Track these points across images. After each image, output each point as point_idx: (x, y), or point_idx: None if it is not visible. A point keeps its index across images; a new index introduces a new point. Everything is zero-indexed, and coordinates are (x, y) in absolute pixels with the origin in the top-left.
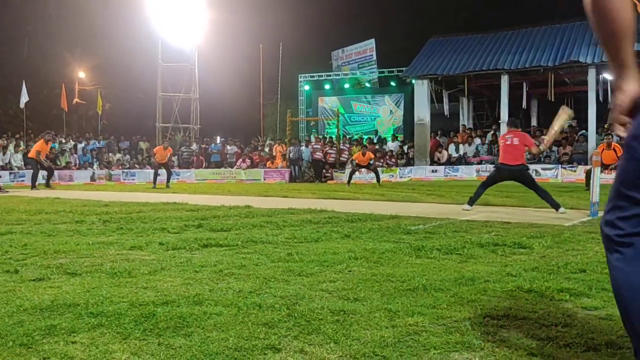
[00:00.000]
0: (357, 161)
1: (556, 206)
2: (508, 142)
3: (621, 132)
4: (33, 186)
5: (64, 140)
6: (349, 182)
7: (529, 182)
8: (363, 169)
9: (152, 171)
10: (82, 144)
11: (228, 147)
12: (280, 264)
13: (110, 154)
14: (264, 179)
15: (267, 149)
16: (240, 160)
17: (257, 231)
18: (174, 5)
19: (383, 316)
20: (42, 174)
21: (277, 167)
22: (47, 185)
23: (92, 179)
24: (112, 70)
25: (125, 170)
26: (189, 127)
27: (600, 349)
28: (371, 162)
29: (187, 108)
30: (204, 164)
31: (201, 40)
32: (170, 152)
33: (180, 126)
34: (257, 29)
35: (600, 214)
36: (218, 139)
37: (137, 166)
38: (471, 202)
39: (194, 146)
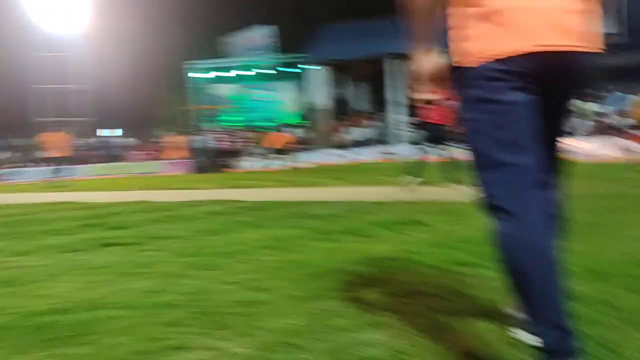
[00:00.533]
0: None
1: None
2: None
3: (417, 95)
4: None
5: None
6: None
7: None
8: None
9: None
10: None
11: (125, 140)
12: (186, 259)
13: None
14: (165, 171)
15: (167, 140)
16: (139, 152)
17: (160, 226)
18: None
19: (293, 303)
20: None
21: (178, 159)
22: None
23: None
24: None
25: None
26: (81, 120)
27: (495, 317)
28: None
29: (75, 100)
30: (99, 159)
31: (84, 28)
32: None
33: (72, 120)
34: (145, 14)
35: None
36: (115, 132)
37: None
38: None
39: (89, 140)
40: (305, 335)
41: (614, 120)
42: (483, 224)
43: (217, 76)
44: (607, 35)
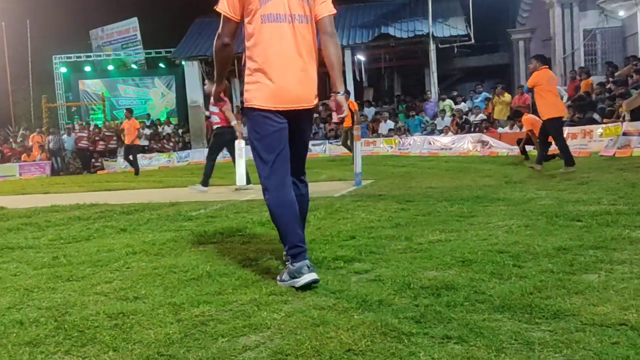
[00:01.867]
0: (125, 133)
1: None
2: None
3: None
4: None
5: None
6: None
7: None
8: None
9: None
10: None
11: None
12: (45, 270)
13: None
14: (20, 175)
15: (20, 140)
16: None
17: (14, 235)
18: None
19: (167, 311)
20: None
21: (34, 160)
22: None
23: None
24: None
25: None
26: None
27: (373, 308)
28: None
29: None
30: None
31: None
32: None
33: None
34: None
35: (364, 182)
36: None
37: None
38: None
39: None
40: (181, 345)
41: (470, 116)
42: (359, 219)
43: (85, 71)
44: (459, 38)
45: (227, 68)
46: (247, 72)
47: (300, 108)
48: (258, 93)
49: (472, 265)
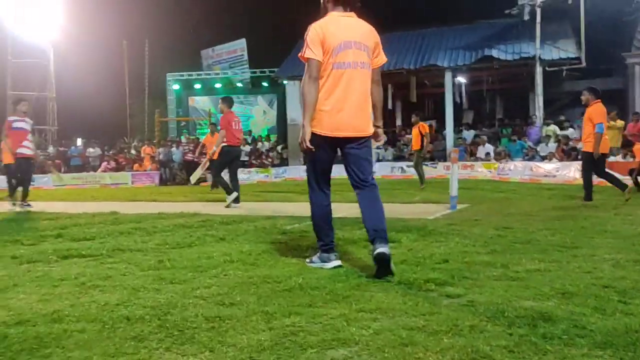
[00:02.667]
0: (207, 147)
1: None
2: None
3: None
4: None
5: None
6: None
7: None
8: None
9: (2, 177)
10: None
11: (90, 150)
12: (151, 272)
13: None
14: (132, 183)
15: (134, 151)
16: (105, 163)
17: (125, 239)
18: None
19: (260, 319)
20: None
21: (145, 170)
22: None
23: None
24: None
25: None
26: (45, 129)
27: (464, 333)
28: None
29: (42, 108)
30: (62, 169)
31: (57, 36)
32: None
33: (35, 128)
34: (120, 24)
35: (459, 206)
36: (79, 141)
37: None
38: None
39: (51, 149)
40: (271, 352)
41: (576, 143)
42: (453, 242)
43: (195, 88)
44: (569, 61)
45: (314, 105)
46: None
47: (359, 136)
48: (321, 123)
49: (572, 298)
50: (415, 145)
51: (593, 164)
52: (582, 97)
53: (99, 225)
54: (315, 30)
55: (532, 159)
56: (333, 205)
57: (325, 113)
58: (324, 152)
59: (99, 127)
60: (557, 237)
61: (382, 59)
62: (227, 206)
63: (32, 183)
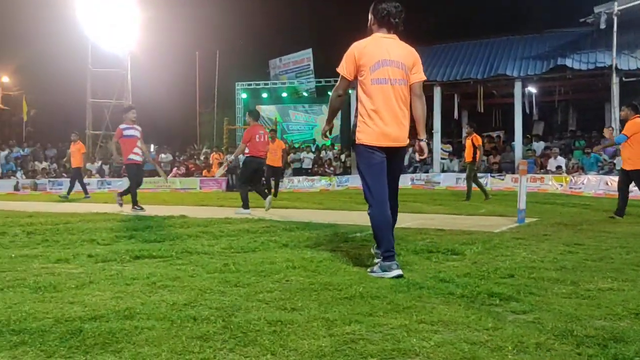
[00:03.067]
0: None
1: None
2: (263, 139)
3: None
4: None
5: None
6: (269, 190)
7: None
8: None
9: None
10: (5, 152)
11: (162, 156)
12: (216, 274)
13: (35, 162)
14: (200, 188)
15: (203, 157)
16: (175, 168)
17: (192, 241)
18: (105, 9)
19: (320, 325)
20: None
21: (213, 176)
22: None
23: (16, 188)
24: (38, 74)
25: (51, 180)
26: None
27: (530, 350)
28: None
29: (119, 115)
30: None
31: (134, 46)
32: (82, 151)
33: (112, 134)
34: (193, 36)
35: (527, 220)
36: (152, 147)
37: (65, 175)
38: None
39: None
40: (332, 358)
41: None
42: (520, 257)
43: (262, 97)
44: None
45: (336, 113)
46: (358, 117)
47: (397, 146)
48: (365, 134)
49: None
50: (468, 157)
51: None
52: (621, 113)
53: (168, 228)
54: (352, 50)
55: (609, 172)
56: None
57: (369, 125)
58: (373, 160)
59: (171, 134)
60: (632, 255)
61: (420, 76)
62: (236, 212)
63: (108, 186)
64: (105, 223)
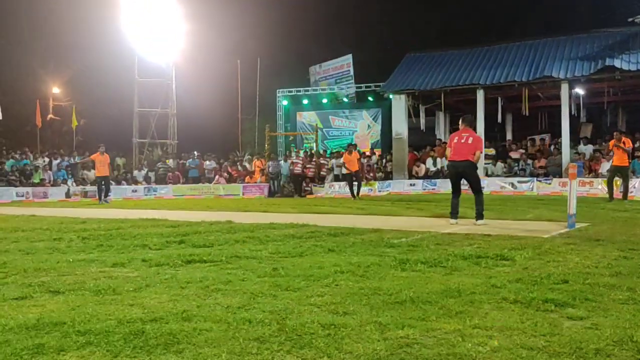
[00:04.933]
0: (346, 164)
1: (480, 216)
2: (463, 141)
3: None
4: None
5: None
6: (352, 194)
7: (473, 181)
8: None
9: (128, 187)
10: (57, 160)
11: (206, 163)
12: (267, 279)
13: (85, 171)
14: (243, 194)
15: (245, 164)
16: (218, 175)
17: (240, 246)
18: (150, 21)
19: (374, 329)
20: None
21: (256, 182)
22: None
23: (67, 195)
24: (87, 85)
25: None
26: (166, 143)
27: (589, 356)
28: (362, 161)
29: (164, 123)
30: (181, 180)
31: (178, 56)
32: (108, 162)
33: (158, 142)
34: (234, 44)
35: (578, 225)
36: (195, 154)
37: (113, 182)
38: (453, 215)
39: (171, 162)
40: None
41: None
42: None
43: (303, 104)
44: None
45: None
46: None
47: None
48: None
49: None
50: (622, 161)
51: None
52: None
53: (216, 234)
54: None
55: None
56: (439, 221)
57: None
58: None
59: (214, 141)
60: None
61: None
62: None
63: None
64: (155, 229)
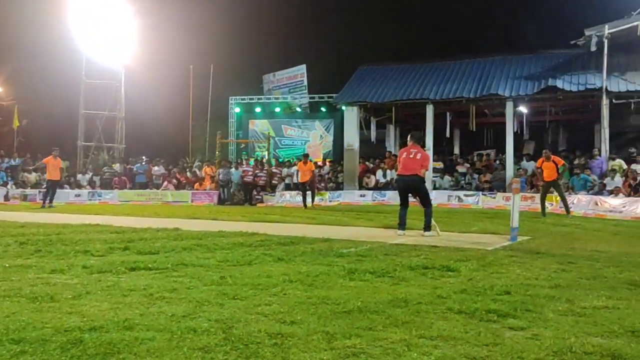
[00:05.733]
0: (300, 173)
1: (428, 227)
2: (411, 156)
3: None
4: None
5: None
6: (304, 203)
7: (422, 195)
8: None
9: (71, 191)
10: None
11: (154, 168)
12: (214, 287)
13: (25, 174)
14: (192, 201)
15: (195, 170)
16: (167, 181)
17: (187, 254)
18: (100, 22)
19: (321, 339)
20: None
21: (205, 189)
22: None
23: (6, 198)
24: (31, 85)
25: (42, 190)
26: (113, 147)
27: None
28: (314, 171)
29: (111, 127)
30: (127, 185)
31: (129, 59)
32: (60, 166)
33: (104, 145)
34: (187, 50)
35: (520, 238)
36: (144, 159)
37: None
38: (401, 226)
39: (117, 166)
40: None
41: None
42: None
43: (255, 112)
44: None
45: None
46: None
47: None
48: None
49: None
50: (551, 176)
51: None
52: None
53: (162, 240)
54: None
55: (599, 193)
56: (388, 232)
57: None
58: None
59: (163, 147)
60: (625, 274)
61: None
62: None
63: (99, 198)
64: (98, 235)
